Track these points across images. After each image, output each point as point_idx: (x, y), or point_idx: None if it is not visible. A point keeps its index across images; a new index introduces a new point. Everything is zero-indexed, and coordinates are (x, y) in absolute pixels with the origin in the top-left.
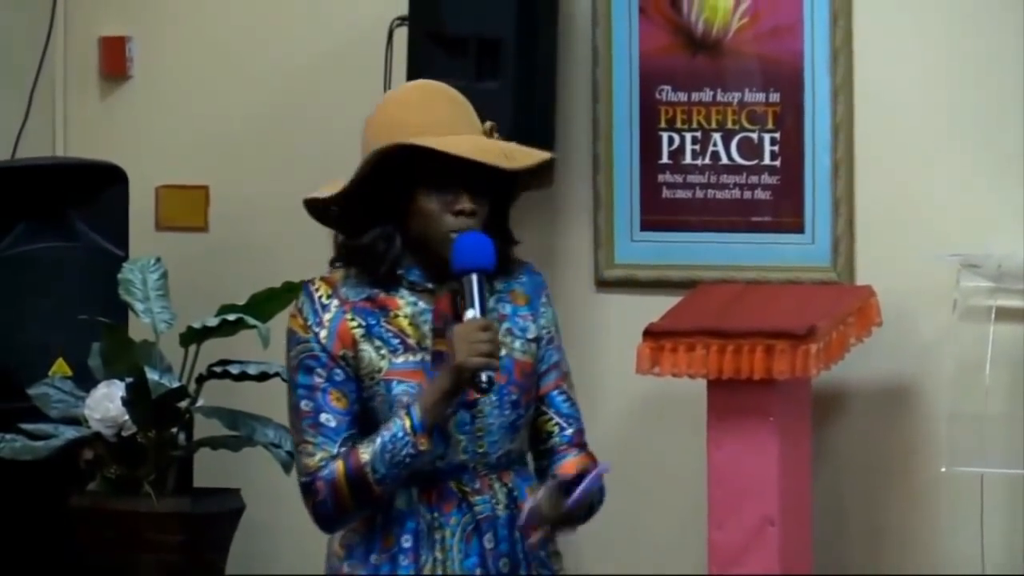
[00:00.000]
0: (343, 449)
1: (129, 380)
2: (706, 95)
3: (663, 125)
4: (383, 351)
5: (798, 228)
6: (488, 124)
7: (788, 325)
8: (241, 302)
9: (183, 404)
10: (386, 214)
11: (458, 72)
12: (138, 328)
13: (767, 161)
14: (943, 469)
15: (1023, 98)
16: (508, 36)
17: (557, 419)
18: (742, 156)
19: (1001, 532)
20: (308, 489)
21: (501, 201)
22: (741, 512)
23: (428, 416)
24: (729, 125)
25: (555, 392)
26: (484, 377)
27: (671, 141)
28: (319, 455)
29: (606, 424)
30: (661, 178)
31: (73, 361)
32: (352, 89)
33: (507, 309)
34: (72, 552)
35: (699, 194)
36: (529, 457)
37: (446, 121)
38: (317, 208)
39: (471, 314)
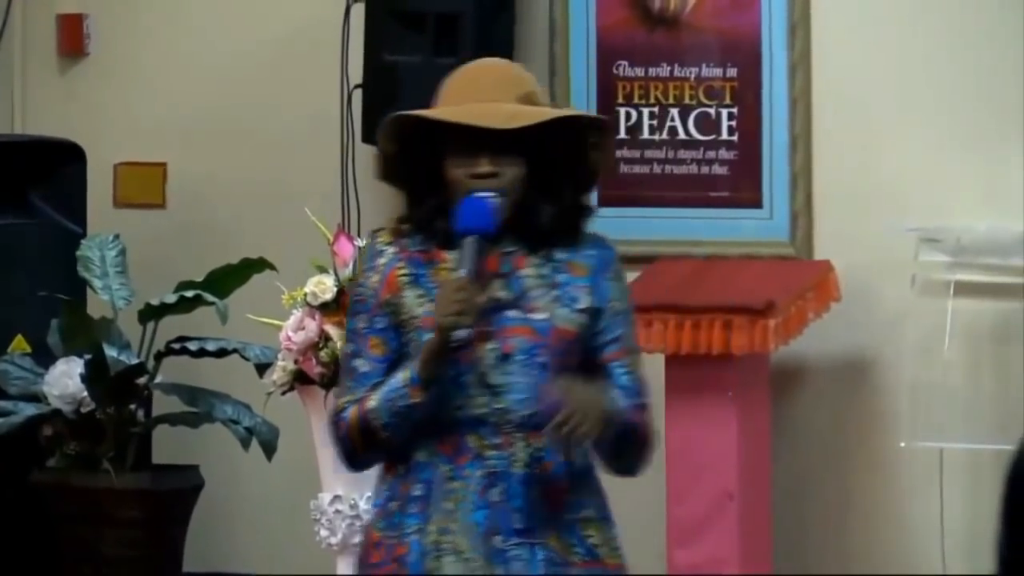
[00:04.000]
0: (364, 394)
1: (88, 357)
2: (663, 70)
3: (620, 100)
4: (423, 299)
5: (756, 203)
6: (527, 91)
7: (746, 300)
8: (199, 279)
9: (142, 381)
10: (435, 181)
11: (416, 48)
12: (97, 305)
13: (725, 136)
14: (902, 444)
15: (982, 72)
16: (466, 11)
17: (616, 390)
18: (700, 131)
19: (961, 506)
20: (334, 427)
21: (550, 169)
22: (700, 487)
23: (421, 370)
24: (687, 100)
25: (615, 364)
26: (460, 335)
27: (628, 116)
28: (346, 397)
29: None
30: (619, 154)
31: (32, 338)
32: (310, 66)
33: (561, 278)
34: (33, 527)
35: (657, 169)
36: None
37: (477, 89)
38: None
39: (457, 274)
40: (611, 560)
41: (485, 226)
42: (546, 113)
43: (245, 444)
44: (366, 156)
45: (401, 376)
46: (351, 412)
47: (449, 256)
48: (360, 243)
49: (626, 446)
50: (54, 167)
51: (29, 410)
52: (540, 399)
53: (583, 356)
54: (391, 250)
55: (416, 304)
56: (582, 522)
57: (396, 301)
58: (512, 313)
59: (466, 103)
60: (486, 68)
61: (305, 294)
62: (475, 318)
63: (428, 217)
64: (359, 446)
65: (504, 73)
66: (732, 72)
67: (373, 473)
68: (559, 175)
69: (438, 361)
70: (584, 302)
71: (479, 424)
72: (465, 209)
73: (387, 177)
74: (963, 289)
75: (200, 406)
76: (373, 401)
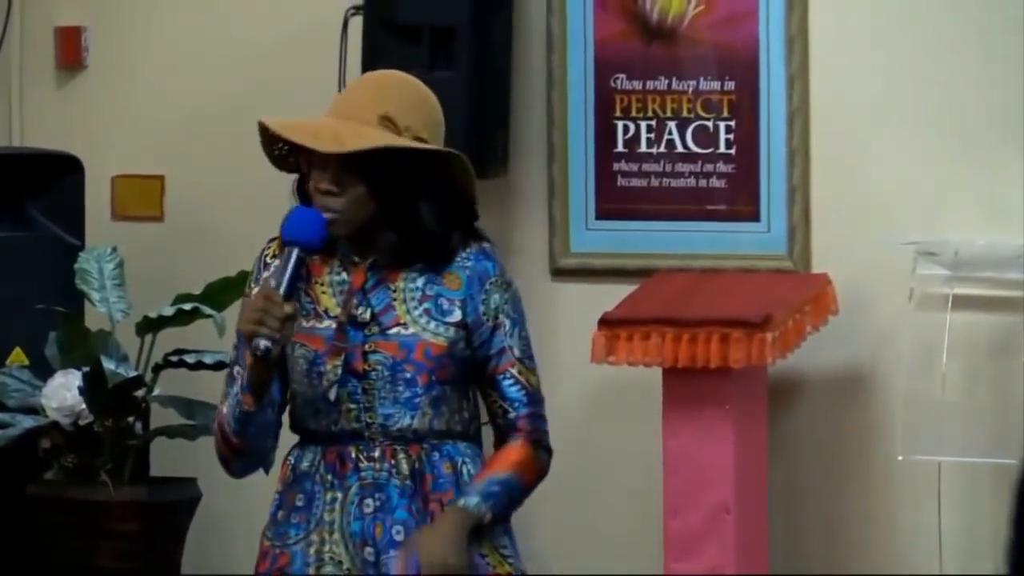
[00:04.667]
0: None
1: (86, 369)
2: (661, 83)
3: (618, 113)
4: (300, 314)
5: (754, 216)
6: (388, 112)
7: (744, 313)
8: (197, 291)
9: (139, 393)
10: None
11: (413, 61)
12: (94, 317)
13: (722, 149)
14: (900, 457)
15: (981, 85)
16: (462, 24)
17: (501, 402)
18: (697, 144)
19: (959, 520)
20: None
21: (393, 193)
22: (697, 500)
23: (247, 375)
24: (684, 113)
25: (501, 376)
26: (260, 345)
27: (626, 129)
28: (222, 404)
29: (561, 413)
30: (616, 166)
31: (30, 350)
32: (307, 79)
33: (434, 291)
34: (30, 540)
35: (654, 182)
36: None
37: (342, 104)
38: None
39: (271, 284)
40: (500, 569)
41: (308, 239)
42: (370, 139)
43: None
44: None
45: (238, 383)
46: (217, 417)
47: (326, 270)
48: None
49: (520, 500)
50: (52, 179)
51: (27, 422)
52: (399, 564)
53: (465, 369)
54: (276, 263)
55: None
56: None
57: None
58: (376, 328)
59: (327, 116)
60: (366, 81)
61: None
62: (280, 330)
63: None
64: (223, 450)
65: (376, 90)
66: (730, 85)
67: None
68: (405, 201)
69: (257, 370)
70: (456, 316)
71: (357, 437)
72: (292, 219)
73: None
74: (961, 303)
75: (198, 419)
76: (225, 407)
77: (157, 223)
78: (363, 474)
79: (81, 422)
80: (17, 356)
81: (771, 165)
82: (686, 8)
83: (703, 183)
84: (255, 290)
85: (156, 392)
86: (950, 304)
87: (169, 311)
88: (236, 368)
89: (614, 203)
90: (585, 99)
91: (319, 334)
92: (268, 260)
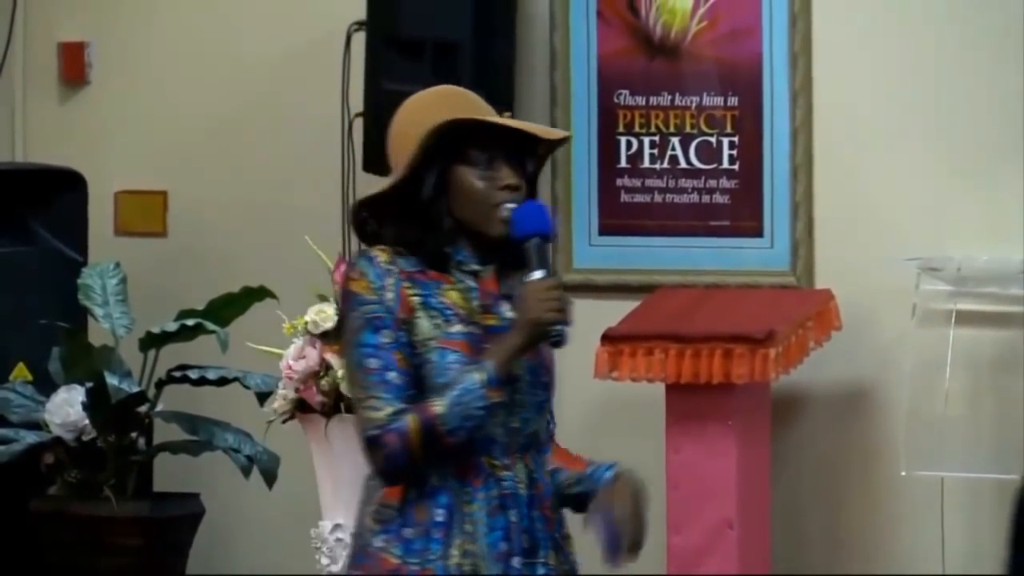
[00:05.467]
0: (411, 404)
1: (89, 385)
2: (664, 99)
3: (621, 129)
4: (437, 320)
5: (757, 232)
6: (506, 113)
7: (747, 329)
8: (200, 307)
9: (143, 409)
10: (426, 202)
11: (415, 76)
12: (98, 333)
13: (726, 165)
14: (903, 473)
15: (983, 102)
16: (465, 40)
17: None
18: (701, 160)
19: (961, 536)
20: (376, 442)
21: (531, 186)
22: (700, 516)
23: (501, 371)
24: (687, 129)
25: None
26: (556, 332)
27: (629, 145)
28: (388, 409)
29: (564, 428)
30: (619, 182)
31: (33, 366)
32: (310, 94)
33: None
34: (33, 556)
35: (657, 198)
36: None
37: (472, 108)
38: (355, 215)
39: (538, 275)
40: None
41: (545, 228)
42: (554, 131)
43: (246, 472)
44: (367, 184)
45: (475, 378)
46: (407, 421)
47: (451, 277)
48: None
49: None
50: (55, 195)
51: (30, 438)
52: (594, 524)
53: None
54: (394, 270)
55: (432, 327)
56: (565, 539)
57: (411, 321)
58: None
59: (479, 115)
60: (465, 90)
61: (306, 323)
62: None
63: (440, 235)
64: (417, 456)
65: (470, 93)
66: (733, 101)
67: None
68: (533, 193)
69: (518, 361)
70: None
71: (491, 444)
72: (524, 214)
73: (383, 198)
74: (964, 318)
75: (201, 434)
76: (439, 407)
77: (160, 239)
78: (503, 484)
79: (84, 437)
80: (20, 371)
81: (774, 181)
82: (689, 24)
83: (706, 199)
84: (379, 297)
85: (159, 408)
86: (953, 320)
87: (172, 327)
88: (391, 374)
89: (617, 219)
90: (588, 115)
91: (464, 339)
92: (386, 266)
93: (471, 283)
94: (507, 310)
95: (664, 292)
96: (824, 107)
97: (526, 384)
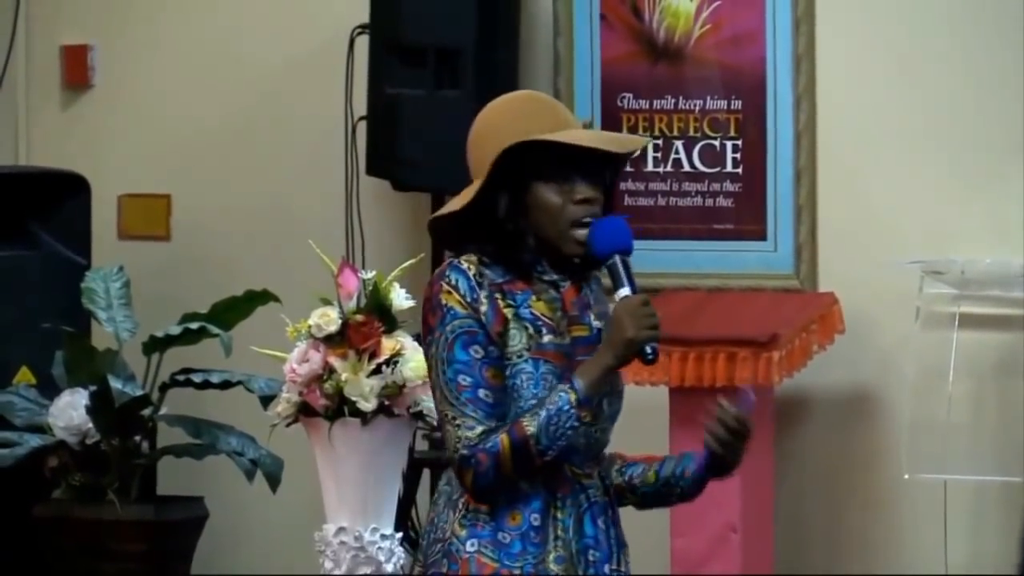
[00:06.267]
0: (503, 423)
1: (92, 388)
2: (668, 102)
3: (625, 133)
4: (531, 331)
5: (760, 236)
6: (585, 119)
7: (750, 333)
8: (203, 311)
9: (146, 412)
10: (505, 216)
11: (418, 81)
12: (101, 337)
13: (729, 168)
14: (906, 476)
15: (986, 105)
16: (468, 45)
17: None
18: (704, 164)
19: (964, 539)
20: (468, 461)
21: (609, 196)
22: (703, 520)
23: (592, 390)
24: (691, 133)
25: None
26: (650, 349)
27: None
28: (479, 428)
29: None
30: (623, 186)
31: (36, 369)
32: (314, 98)
33: (603, 302)
34: (36, 561)
35: (661, 202)
36: None
37: (552, 118)
38: (437, 229)
39: (624, 292)
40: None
41: (626, 245)
42: (636, 140)
43: (250, 476)
44: (371, 188)
45: (567, 398)
46: (500, 440)
47: (536, 287)
48: (365, 275)
49: None
50: (58, 199)
51: (34, 441)
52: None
53: None
54: (486, 282)
55: (526, 337)
56: (626, 547)
57: (504, 333)
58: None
59: (549, 130)
60: (545, 99)
61: (309, 326)
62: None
63: (520, 250)
64: (509, 474)
65: (552, 100)
66: (736, 104)
67: (379, 506)
68: (611, 201)
69: (609, 380)
70: None
71: (573, 453)
72: (604, 231)
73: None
74: (967, 321)
75: (204, 438)
76: (531, 427)
77: (163, 242)
78: (589, 492)
79: (88, 441)
80: (24, 375)
81: (778, 184)
82: (692, 28)
83: (709, 202)
84: (472, 310)
85: (163, 411)
86: (956, 323)
87: (176, 330)
88: (482, 391)
89: None
90: (592, 118)
91: (555, 350)
92: (478, 279)
93: (554, 293)
94: (593, 319)
95: (667, 295)
96: (827, 111)
97: (607, 394)
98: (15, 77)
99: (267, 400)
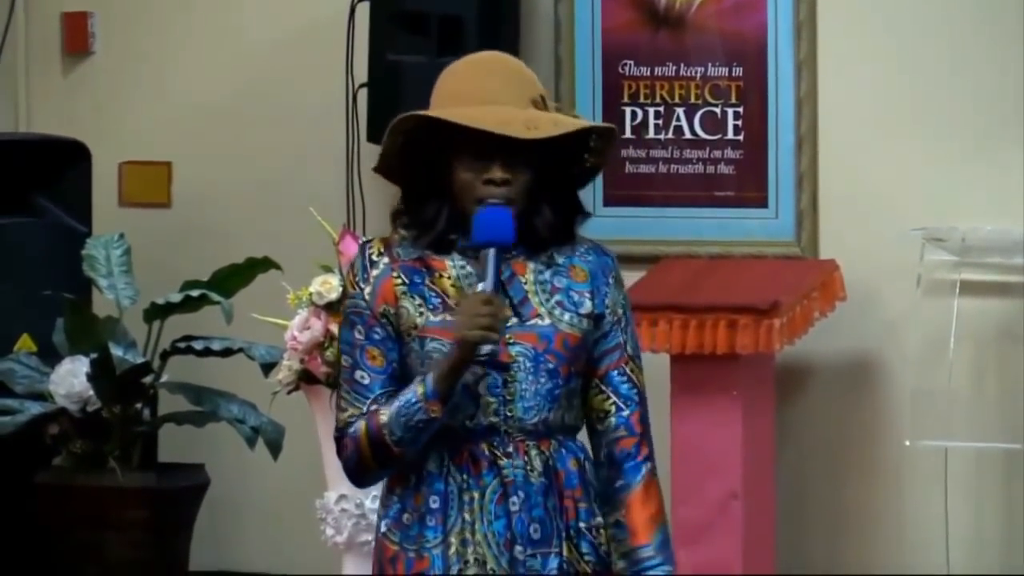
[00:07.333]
0: (371, 408)
1: (93, 356)
2: (669, 70)
3: (626, 100)
4: (422, 308)
5: (762, 203)
6: (538, 94)
7: (751, 300)
8: (204, 278)
9: (147, 380)
10: (436, 182)
11: (420, 49)
12: (102, 304)
13: (730, 136)
14: (907, 443)
15: (987, 73)
16: (469, 13)
17: (614, 399)
18: (705, 131)
19: (965, 505)
20: (338, 444)
21: (552, 173)
22: (705, 487)
23: (439, 385)
24: (692, 100)
25: (615, 372)
26: (485, 350)
27: (634, 116)
28: (349, 411)
29: None
30: (624, 153)
31: (38, 337)
32: (315, 66)
33: (562, 283)
34: (37, 528)
35: (662, 169)
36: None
37: (489, 90)
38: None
39: (480, 287)
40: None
41: (505, 238)
42: (563, 123)
43: (251, 443)
44: (371, 155)
45: (416, 390)
46: (359, 427)
47: (448, 264)
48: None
49: None
50: (59, 166)
51: (35, 409)
52: None
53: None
54: (384, 260)
55: (416, 314)
56: (594, 529)
57: (394, 311)
58: (515, 320)
59: (476, 104)
60: (494, 66)
61: (310, 294)
62: (502, 332)
63: (431, 221)
64: (370, 461)
65: (514, 74)
66: (738, 72)
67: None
68: (561, 180)
69: (457, 375)
70: (586, 307)
71: (491, 433)
72: (484, 220)
73: (386, 174)
74: (968, 289)
75: (206, 405)
76: (384, 416)
77: (164, 210)
78: (504, 472)
79: (89, 408)
80: (25, 342)
81: (779, 152)
82: None
83: (711, 169)
84: (359, 290)
85: (164, 379)
86: (957, 290)
87: (177, 298)
88: (359, 373)
89: (621, 189)
90: (593, 86)
91: (444, 327)
92: (374, 258)
93: (471, 268)
94: (534, 299)
95: (669, 263)
96: (828, 78)
97: (526, 372)
98: (15, 44)
99: (268, 367)
